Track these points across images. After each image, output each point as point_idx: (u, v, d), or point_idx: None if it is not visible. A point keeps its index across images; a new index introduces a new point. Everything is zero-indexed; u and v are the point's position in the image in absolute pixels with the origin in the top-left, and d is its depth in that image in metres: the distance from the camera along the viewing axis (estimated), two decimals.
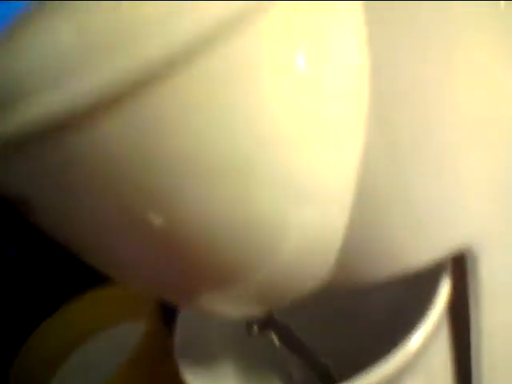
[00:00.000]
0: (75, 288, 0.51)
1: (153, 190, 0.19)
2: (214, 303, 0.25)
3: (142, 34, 0.16)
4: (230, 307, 0.26)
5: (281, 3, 0.18)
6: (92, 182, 0.19)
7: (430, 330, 0.26)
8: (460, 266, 0.27)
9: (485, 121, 0.25)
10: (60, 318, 0.49)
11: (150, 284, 0.24)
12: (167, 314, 0.44)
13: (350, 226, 0.23)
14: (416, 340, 0.26)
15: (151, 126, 0.18)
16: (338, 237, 0.24)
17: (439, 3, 0.22)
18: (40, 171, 0.19)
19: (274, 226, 0.22)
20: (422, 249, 0.25)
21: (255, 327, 0.31)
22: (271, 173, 0.20)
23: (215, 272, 0.22)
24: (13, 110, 0.17)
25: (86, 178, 0.19)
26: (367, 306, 0.36)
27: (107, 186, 0.19)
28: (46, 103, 0.17)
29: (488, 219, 0.26)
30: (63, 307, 0.50)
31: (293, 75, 0.20)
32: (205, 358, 0.31)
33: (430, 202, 0.24)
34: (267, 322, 0.31)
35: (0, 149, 0.18)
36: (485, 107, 0.24)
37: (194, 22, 0.17)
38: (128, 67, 0.16)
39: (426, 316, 0.26)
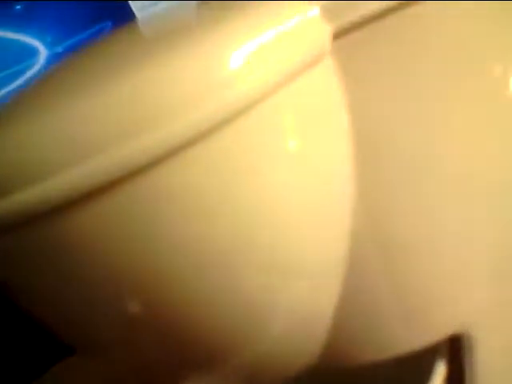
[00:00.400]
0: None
1: (139, 272, 0.19)
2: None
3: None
4: None
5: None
6: (78, 266, 0.19)
7: None
8: (455, 346, 0.27)
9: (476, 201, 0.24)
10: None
11: (131, 364, 0.24)
12: None
13: (338, 310, 0.23)
14: None
15: (141, 212, 0.18)
16: (326, 320, 0.23)
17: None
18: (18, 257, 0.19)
19: (262, 306, 0.22)
20: (413, 336, 0.24)
21: None
22: (258, 254, 0.20)
23: (202, 352, 0.22)
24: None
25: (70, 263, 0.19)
26: None
27: (95, 268, 0.19)
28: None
29: (484, 303, 0.25)
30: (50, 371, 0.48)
31: (284, 161, 0.20)
32: None
33: (422, 290, 0.24)
34: None
35: None
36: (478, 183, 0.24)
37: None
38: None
39: None
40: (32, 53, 0.57)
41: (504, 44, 0.23)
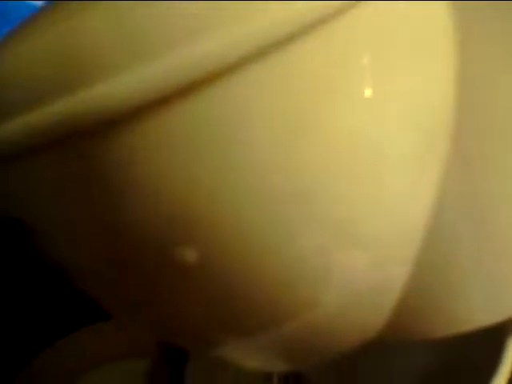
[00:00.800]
0: (70, 324, 0.48)
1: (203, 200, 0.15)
2: (238, 351, 0.21)
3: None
4: (255, 358, 0.21)
5: None
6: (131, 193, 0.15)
7: None
8: None
9: None
10: (54, 354, 0.46)
11: (167, 327, 0.20)
12: (171, 354, 0.41)
13: (410, 281, 0.19)
14: None
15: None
16: (394, 293, 0.19)
17: None
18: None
19: (318, 271, 0.18)
20: (492, 309, 0.21)
21: (275, 380, 0.27)
22: (328, 209, 0.16)
23: (250, 314, 0.18)
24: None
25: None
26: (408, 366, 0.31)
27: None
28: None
29: None
30: (57, 343, 0.46)
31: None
32: None
33: (499, 263, 0.20)
34: (288, 377, 0.27)
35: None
36: None
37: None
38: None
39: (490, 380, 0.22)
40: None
41: None
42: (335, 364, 0.24)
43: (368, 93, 0.15)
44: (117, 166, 0.14)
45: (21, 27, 0.17)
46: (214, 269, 0.16)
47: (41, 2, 0.38)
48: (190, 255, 0.15)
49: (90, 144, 0.14)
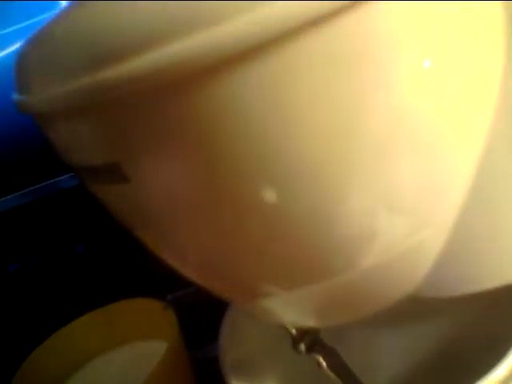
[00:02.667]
0: (79, 306, 0.49)
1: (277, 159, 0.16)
2: (279, 304, 0.22)
3: None
4: (294, 311, 0.23)
5: None
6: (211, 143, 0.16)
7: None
8: None
9: None
10: (62, 336, 0.47)
11: (222, 276, 0.22)
12: (188, 335, 0.42)
13: (448, 241, 0.21)
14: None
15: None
16: (430, 256, 0.21)
17: None
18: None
19: (363, 230, 0.20)
20: (500, 269, 0.23)
21: (303, 346, 0.29)
22: (377, 174, 0.18)
23: (302, 266, 0.20)
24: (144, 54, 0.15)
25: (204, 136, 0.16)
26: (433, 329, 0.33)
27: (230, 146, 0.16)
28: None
29: None
30: (66, 326, 0.47)
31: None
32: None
33: None
34: (314, 344, 0.29)
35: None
36: None
37: None
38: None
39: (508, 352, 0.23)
40: (54, 2, 0.55)
41: None
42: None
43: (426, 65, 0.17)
44: (210, 114, 0.16)
45: None
46: (280, 218, 0.18)
47: None
48: (270, 195, 0.17)
49: (190, 93, 0.15)
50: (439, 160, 0.19)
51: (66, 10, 0.19)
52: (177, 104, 0.16)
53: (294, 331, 0.28)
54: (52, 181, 0.53)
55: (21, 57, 0.19)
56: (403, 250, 0.21)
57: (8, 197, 0.48)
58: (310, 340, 0.29)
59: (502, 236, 0.22)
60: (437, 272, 0.22)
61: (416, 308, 0.26)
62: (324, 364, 0.29)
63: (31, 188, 0.52)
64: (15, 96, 0.19)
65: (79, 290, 0.52)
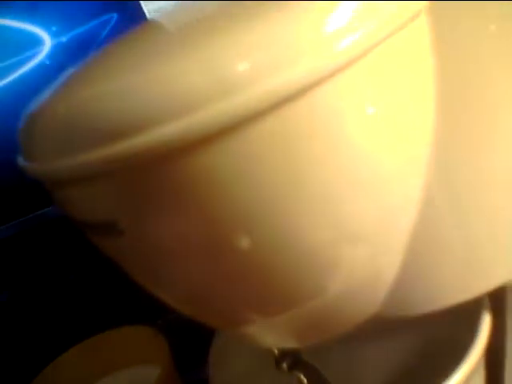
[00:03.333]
0: (80, 332, 0.50)
1: (247, 214, 0.20)
2: (259, 329, 0.25)
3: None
4: (274, 336, 0.26)
5: None
6: (192, 205, 0.19)
7: (472, 367, 0.26)
8: (498, 302, 0.28)
9: None
10: (66, 361, 0.48)
11: (206, 308, 0.24)
12: (179, 359, 0.44)
13: (403, 265, 0.24)
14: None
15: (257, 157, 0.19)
16: (389, 277, 0.24)
17: None
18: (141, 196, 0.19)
19: (328, 259, 0.22)
20: (467, 285, 0.25)
21: (284, 365, 0.31)
22: (332, 211, 0.21)
23: (276, 298, 0.23)
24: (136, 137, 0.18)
25: (186, 200, 0.19)
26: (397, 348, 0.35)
27: (208, 207, 0.19)
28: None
29: None
30: (69, 350, 0.49)
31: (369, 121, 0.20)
32: None
33: (485, 243, 0.25)
34: (296, 362, 0.31)
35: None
36: None
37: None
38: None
39: (466, 355, 0.26)
40: (37, 42, 0.57)
41: None
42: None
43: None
44: (197, 183, 0.19)
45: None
46: (257, 257, 0.21)
47: None
48: (248, 240, 0.20)
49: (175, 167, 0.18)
50: (386, 195, 0.22)
51: (71, 85, 0.22)
52: (168, 174, 0.19)
53: (275, 351, 0.31)
54: (39, 212, 0.55)
55: (28, 125, 0.22)
56: (364, 275, 0.23)
57: None
58: (292, 359, 0.31)
59: (449, 261, 0.25)
60: (395, 294, 0.24)
61: (387, 324, 0.29)
62: (305, 381, 0.32)
63: (19, 219, 0.54)
64: (20, 160, 0.22)
65: (70, 318, 0.54)
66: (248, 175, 0.19)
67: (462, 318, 0.27)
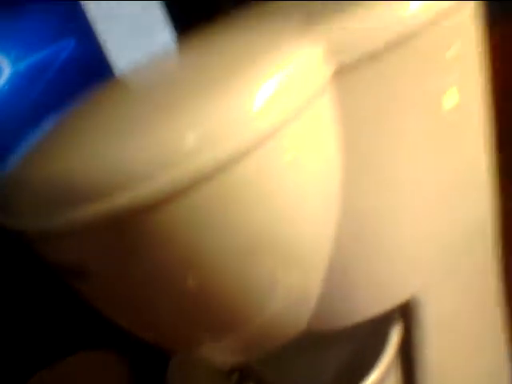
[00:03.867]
0: (40, 360, 0.52)
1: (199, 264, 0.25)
2: (210, 349, 0.30)
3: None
4: (222, 353, 0.31)
5: None
6: (153, 259, 0.25)
7: (382, 371, 0.32)
8: (406, 314, 0.33)
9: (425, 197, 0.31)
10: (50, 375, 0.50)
11: (165, 334, 0.29)
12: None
13: (323, 286, 0.29)
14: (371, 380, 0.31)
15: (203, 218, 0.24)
16: (314, 296, 0.30)
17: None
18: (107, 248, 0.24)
19: (266, 284, 0.28)
20: (380, 300, 0.31)
21: (235, 376, 0.36)
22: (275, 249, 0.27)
23: (221, 321, 0.28)
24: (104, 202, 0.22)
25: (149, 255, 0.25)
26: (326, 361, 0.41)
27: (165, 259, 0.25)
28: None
29: (432, 274, 0.33)
30: (30, 381, 0.50)
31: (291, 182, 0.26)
32: None
33: (385, 265, 0.31)
34: (246, 373, 0.36)
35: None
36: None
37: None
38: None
39: (379, 359, 0.32)
40: None
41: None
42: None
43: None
44: (149, 241, 0.24)
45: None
46: (205, 291, 0.26)
47: None
48: (192, 281, 0.25)
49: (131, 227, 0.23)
50: (308, 233, 0.28)
51: (45, 146, 0.26)
52: (134, 230, 0.23)
53: (227, 366, 0.35)
54: None
55: (5, 185, 0.26)
56: (295, 295, 0.29)
57: None
58: (242, 371, 0.36)
59: (360, 282, 0.30)
60: (320, 310, 0.30)
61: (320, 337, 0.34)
62: None
63: None
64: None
65: (29, 344, 0.54)
66: (197, 229, 0.24)
67: (377, 329, 0.33)
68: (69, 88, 0.62)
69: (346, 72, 0.26)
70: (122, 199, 0.22)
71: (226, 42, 0.29)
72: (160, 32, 0.61)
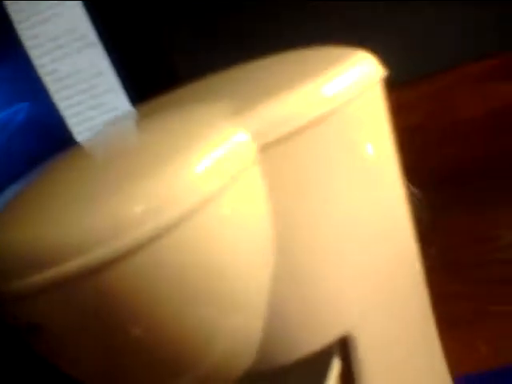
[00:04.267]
0: None
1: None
2: None
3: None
4: None
5: None
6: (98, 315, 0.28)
7: None
8: (344, 348, 0.37)
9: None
10: None
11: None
12: None
13: (264, 328, 0.33)
14: None
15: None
16: (256, 338, 0.33)
17: None
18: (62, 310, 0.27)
19: (209, 331, 0.31)
20: (311, 339, 0.35)
21: None
22: (207, 298, 0.30)
23: (166, 366, 0.31)
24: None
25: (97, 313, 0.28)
26: None
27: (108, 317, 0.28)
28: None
29: (363, 311, 0.36)
30: None
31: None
32: None
33: (317, 304, 0.34)
34: None
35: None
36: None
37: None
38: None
39: None
40: None
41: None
42: None
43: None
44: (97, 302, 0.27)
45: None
46: (149, 340, 0.29)
47: None
48: (137, 331, 0.28)
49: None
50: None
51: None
52: (85, 290, 0.27)
53: None
54: None
55: None
56: (238, 340, 0.32)
57: None
58: None
59: (295, 323, 0.34)
60: (262, 350, 0.33)
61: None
62: None
63: None
64: None
65: None
66: (142, 287, 0.27)
67: (318, 364, 0.36)
68: (27, 148, 0.65)
69: (271, 147, 0.30)
70: (74, 264, 0.25)
71: (172, 117, 0.34)
72: (113, 96, 0.64)
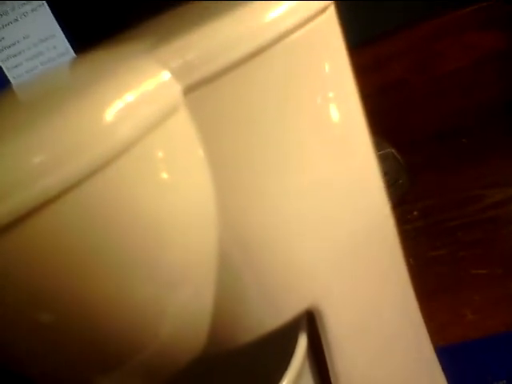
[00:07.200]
0: None
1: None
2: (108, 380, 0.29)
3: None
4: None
5: None
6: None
7: (293, 377, 0.31)
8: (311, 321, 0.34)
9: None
10: None
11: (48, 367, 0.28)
12: None
13: (215, 305, 0.29)
14: None
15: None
16: (208, 315, 0.29)
17: None
18: None
19: (153, 310, 0.27)
20: (275, 314, 0.31)
21: None
22: (147, 269, 0.26)
23: (108, 352, 0.27)
24: None
25: None
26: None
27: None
28: None
29: (330, 283, 0.33)
30: None
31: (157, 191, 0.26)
32: None
33: (278, 276, 0.31)
34: None
35: None
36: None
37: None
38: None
39: (290, 366, 0.32)
40: None
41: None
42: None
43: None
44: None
45: None
46: (81, 317, 0.25)
47: None
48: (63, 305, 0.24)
49: None
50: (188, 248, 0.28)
51: None
52: None
53: None
54: None
55: None
56: (188, 315, 0.29)
57: None
58: None
59: (252, 295, 0.30)
60: (217, 329, 0.30)
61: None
62: None
63: None
64: None
65: None
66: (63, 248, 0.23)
67: (284, 341, 0.33)
68: None
69: (200, 87, 0.26)
70: None
71: (88, 63, 0.29)
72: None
